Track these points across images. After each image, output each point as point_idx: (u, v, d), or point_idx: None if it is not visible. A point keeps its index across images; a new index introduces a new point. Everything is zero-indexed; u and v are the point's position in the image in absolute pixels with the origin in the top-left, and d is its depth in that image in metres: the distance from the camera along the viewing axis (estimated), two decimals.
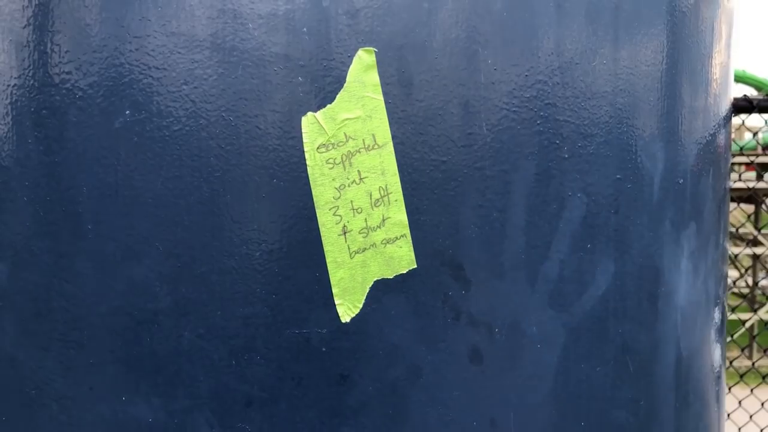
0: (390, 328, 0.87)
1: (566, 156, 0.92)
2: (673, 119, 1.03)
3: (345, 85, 0.84)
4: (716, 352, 1.22)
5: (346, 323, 0.86)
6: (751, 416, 3.45)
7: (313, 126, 0.84)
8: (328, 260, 0.85)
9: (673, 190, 1.03)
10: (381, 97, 0.84)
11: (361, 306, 0.86)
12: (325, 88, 0.84)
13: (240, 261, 0.85)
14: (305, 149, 0.84)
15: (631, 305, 0.99)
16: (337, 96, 0.84)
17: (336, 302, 0.86)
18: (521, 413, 0.92)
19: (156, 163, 0.84)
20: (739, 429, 3.36)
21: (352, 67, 0.84)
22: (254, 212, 0.85)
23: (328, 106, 0.84)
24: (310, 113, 0.84)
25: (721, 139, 1.19)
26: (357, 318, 0.86)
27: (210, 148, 0.84)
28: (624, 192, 0.97)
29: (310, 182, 0.84)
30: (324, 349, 0.86)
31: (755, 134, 3.34)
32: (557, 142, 0.91)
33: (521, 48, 0.89)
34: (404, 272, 0.87)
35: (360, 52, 0.84)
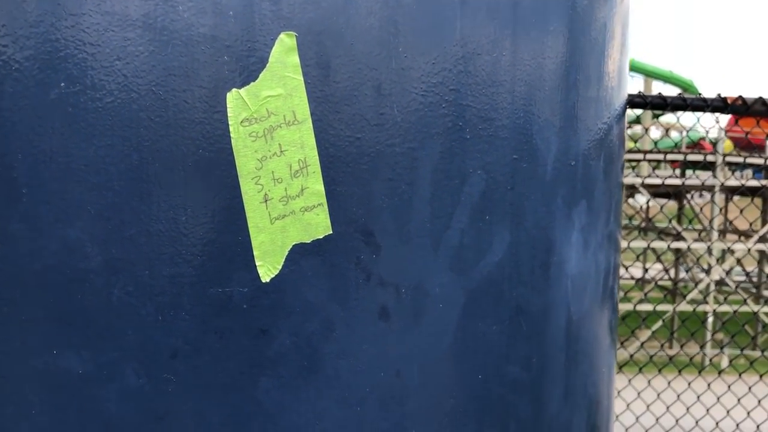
0: (306, 288, 0.96)
1: (468, 137, 1.03)
2: (566, 108, 1.16)
3: (268, 65, 0.92)
4: (606, 319, 1.37)
5: (265, 283, 0.95)
6: (655, 403, 3.70)
7: (237, 102, 0.92)
8: (249, 225, 0.93)
9: (565, 171, 1.16)
10: (301, 78, 0.93)
11: (280, 267, 0.95)
12: (249, 68, 0.92)
13: (167, 224, 0.92)
14: (230, 123, 0.92)
15: (525, 272, 1.11)
16: (260, 75, 0.92)
17: (257, 263, 0.94)
18: (424, 366, 1.02)
19: (89, 133, 0.91)
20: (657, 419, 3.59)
21: (274, 49, 0.92)
22: (181, 180, 0.92)
23: (252, 83, 0.92)
24: (234, 90, 0.92)
25: (614, 128, 1.32)
26: (276, 278, 0.95)
27: (140, 119, 0.91)
28: (519, 171, 1.08)
29: (234, 153, 0.92)
30: (245, 306, 0.94)
31: (667, 131, 3.57)
32: (460, 124, 1.02)
33: (429, 38, 0.99)
34: (320, 237, 0.96)
35: (282, 36, 0.92)
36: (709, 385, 3.97)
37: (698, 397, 3.80)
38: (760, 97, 2.79)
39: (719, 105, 2.76)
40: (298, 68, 0.93)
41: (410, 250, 1.00)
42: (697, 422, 3.58)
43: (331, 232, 0.96)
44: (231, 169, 0.93)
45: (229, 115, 0.92)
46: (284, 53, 0.92)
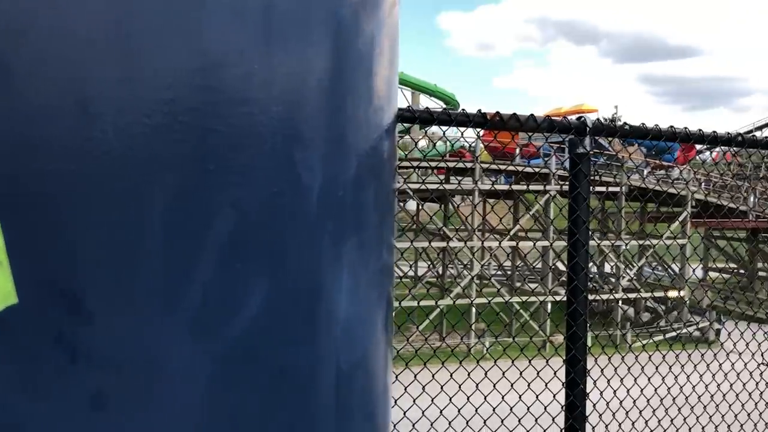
0: None
1: (212, 168, 0.82)
2: (333, 130, 1.01)
3: None
4: (382, 359, 1.24)
5: None
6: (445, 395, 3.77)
7: None
8: None
9: (333, 204, 1.00)
10: None
11: None
12: None
13: None
14: None
15: (289, 325, 0.94)
16: None
17: None
18: None
19: None
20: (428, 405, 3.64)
21: None
22: None
23: None
24: None
25: (384, 150, 1.20)
26: None
27: None
28: (280, 206, 0.91)
29: None
30: None
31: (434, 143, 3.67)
32: (202, 152, 0.81)
33: (161, 43, 0.77)
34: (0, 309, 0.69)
35: None
36: (469, 373, 4.11)
37: (459, 385, 3.92)
38: (514, 114, 2.95)
39: (480, 120, 2.87)
40: None
41: (136, 314, 0.77)
42: (459, 411, 3.70)
43: (15, 301, 0.70)
44: None
45: None
46: None
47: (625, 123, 3.70)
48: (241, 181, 0.85)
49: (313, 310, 0.98)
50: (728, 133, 3.32)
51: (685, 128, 3.66)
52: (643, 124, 3.14)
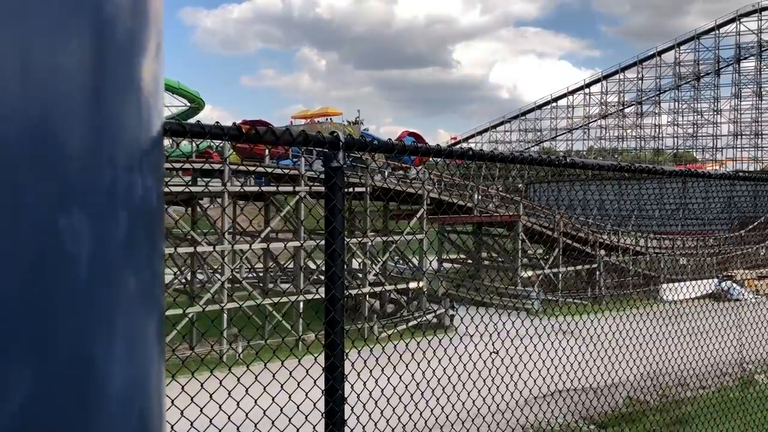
0: None
1: None
2: (102, 180, 0.89)
3: None
4: (156, 412, 1.14)
5: None
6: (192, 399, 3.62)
7: None
8: None
9: (105, 266, 0.90)
10: None
11: None
12: None
13: None
14: None
15: (57, 413, 0.82)
16: None
17: None
18: None
19: None
20: (182, 412, 3.46)
21: None
22: None
23: None
24: None
25: (154, 195, 1.09)
26: None
27: None
28: (43, 282, 0.79)
29: None
30: None
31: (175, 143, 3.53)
32: None
33: None
34: None
35: None
36: (220, 381, 4.05)
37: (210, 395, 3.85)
38: (271, 128, 2.96)
39: (235, 134, 2.83)
40: None
41: None
42: (211, 421, 3.63)
43: None
44: None
45: None
46: None
47: (375, 138, 3.96)
48: None
49: (86, 391, 0.87)
50: (454, 144, 3.69)
51: (426, 144, 3.99)
52: (390, 139, 3.37)
